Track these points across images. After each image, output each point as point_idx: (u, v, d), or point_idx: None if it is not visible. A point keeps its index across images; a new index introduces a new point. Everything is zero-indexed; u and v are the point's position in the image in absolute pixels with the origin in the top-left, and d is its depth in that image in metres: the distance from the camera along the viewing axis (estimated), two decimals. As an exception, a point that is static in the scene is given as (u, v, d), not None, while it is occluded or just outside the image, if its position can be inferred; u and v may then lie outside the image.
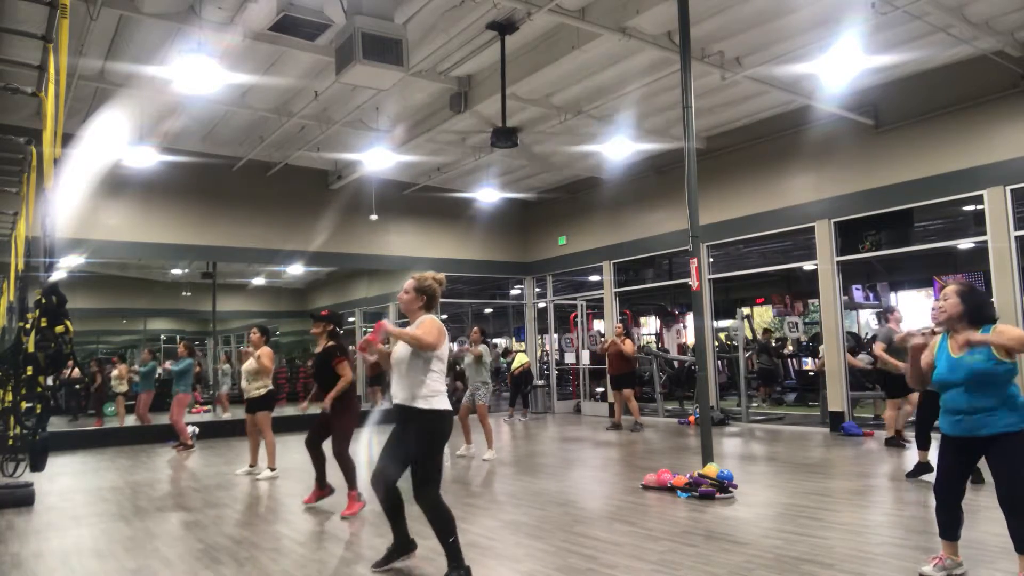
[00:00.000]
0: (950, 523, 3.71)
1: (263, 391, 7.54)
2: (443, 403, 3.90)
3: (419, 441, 3.83)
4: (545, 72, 8.57)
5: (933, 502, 3.79)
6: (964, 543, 4.28)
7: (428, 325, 3.89)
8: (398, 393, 3.93)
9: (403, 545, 4.15)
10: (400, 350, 3.95)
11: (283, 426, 7.76)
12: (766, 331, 15.65)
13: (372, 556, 4.45)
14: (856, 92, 9.36)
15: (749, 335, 13.64)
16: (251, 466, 7.75)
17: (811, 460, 7.69)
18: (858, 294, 13.75)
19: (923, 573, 3.76)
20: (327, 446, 5.94)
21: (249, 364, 7.52)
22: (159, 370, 12.33)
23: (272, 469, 7.57)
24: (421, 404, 3.83)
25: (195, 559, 4.51)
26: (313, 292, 19.06)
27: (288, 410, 13.02)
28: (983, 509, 5.17)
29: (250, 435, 7.67)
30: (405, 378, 3.90)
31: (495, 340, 24.62)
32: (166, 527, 5.41)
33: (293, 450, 8.02)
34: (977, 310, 3.63)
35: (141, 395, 11.23)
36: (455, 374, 15.00)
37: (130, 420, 12.41)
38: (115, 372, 12.60)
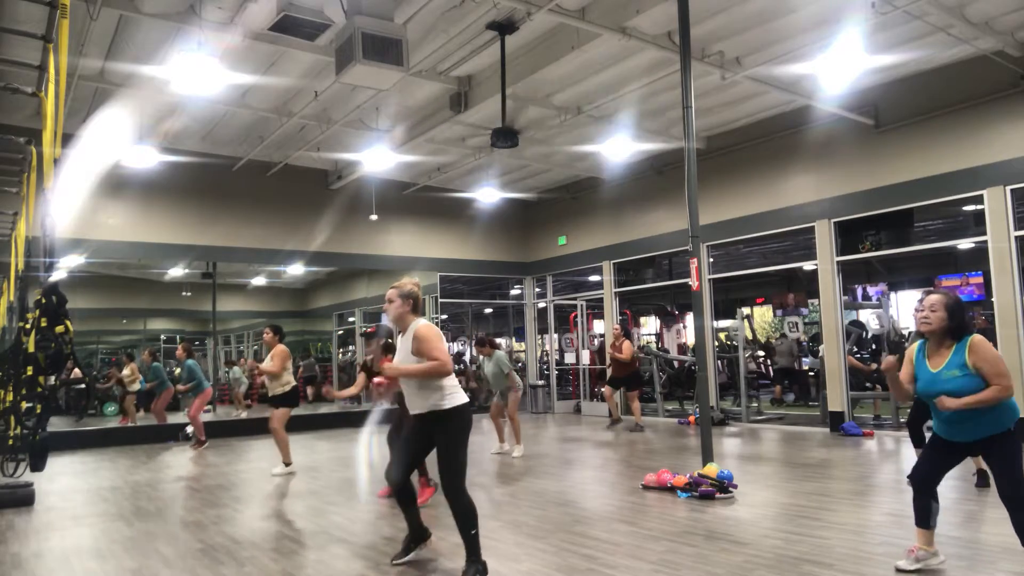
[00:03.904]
0: (925, 511, 3.79)
1: (287, 388, 7.62)
2: (462, 396, 4.03)
3: (447, 437, 3.95)
4: (545, 72, 8.56)
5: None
6: (965, 543, 4.31)
7: (432, 341, 3.92)
8: (417, 404, 4.02)
9: (418, 534, 4.28)
10: (403, 364, 4.01)
11: (288, 425, 7.81)
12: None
13: (372, 556, 4.46)
14: (856, 92, 9.36)
15: (749, 335, 13.63)
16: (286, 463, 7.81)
17: (811, 460, 7.69)
18: (873, 291, 13.67)
19: (898, 567, 3.82)
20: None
21: (267, 364, 7.62)
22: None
23: (287, 463, 7.65)
24: (446, 405, 3.95)
25: (195, 559, 4.51)
26: (313, 292, 19.04)
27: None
28: (985, 510, 5.18)
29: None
30: (421, 389, 3.98)
31: (499, 339, 24.59)
32: (166, 527, 5.41)
33: (296, 451, 8.02)
34: (961, 325, 3.68)
35: (161, 393, 11.27)
36: (471, 375, 15.09)
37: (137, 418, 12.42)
38: (126, 371, 12.59)
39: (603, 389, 11.34)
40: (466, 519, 3.89)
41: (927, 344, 3.80)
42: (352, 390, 6.81)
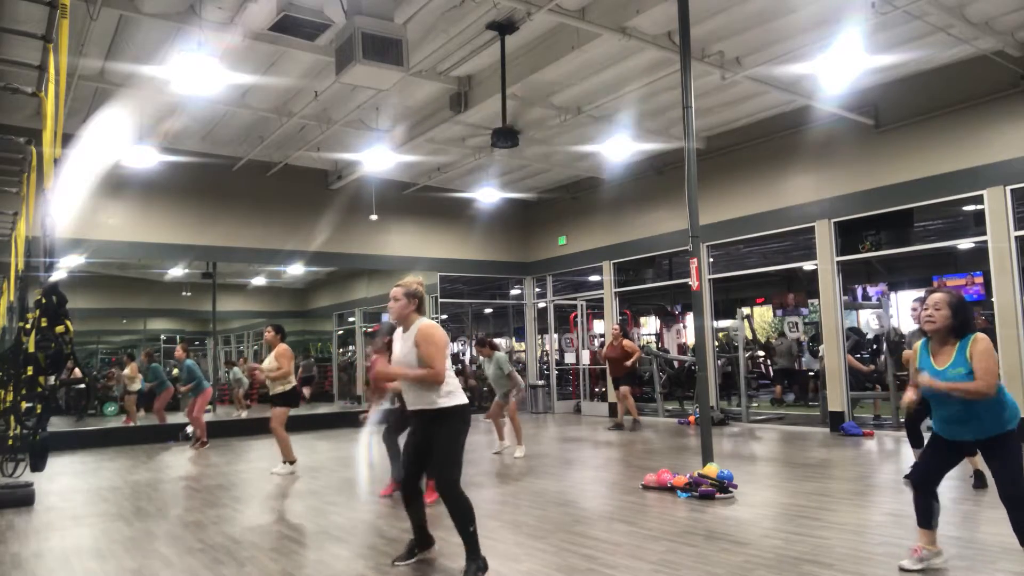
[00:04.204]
0: (927, 511, 3.79)
1: (288, 387, 7.64)
2: (462, 397, 4.06)
3: (446, 435, 3.97)
4: (545, 72, 8.56)
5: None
6: (964, 543, 4.31)
7: (433, 347, 3.95)
8: (415, 401, 4.05)
9: (423, 541, 4.29)
10: (404, 360, 4.04)
11: (288, 425, 7.83)
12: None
13: (372, 556, 4.46)
14: (856, 92, 9.36)
15: (749, 335, 13.64)
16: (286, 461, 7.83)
17: (811, 460, 7.69)
18: (873, 291, 13.68)
19: (902, 567, 3.82)
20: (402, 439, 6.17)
21: (269, 363, 7.62)
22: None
23: (291, 462, 7.69)
24: (445, 403, 3.98)
25: (195, 559, 4.51)
26: (313, 292, 19.05)
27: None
28: (983, 510, 5.18)
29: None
30: (420, 386, 4.00)
31: (499, 339, 24.62)
32: (166, 527, 5.41)
33: (296, 451, 8.01)
34: (964, 324, 3.67)
35: (161, 393, 11.29)
36: (469, 375, 15.08)
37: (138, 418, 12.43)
38: (127, 371, 12.61)
39: (620, 390, 11.32)
40: (463, 517, 3.90)
41: (930, 342, 3.80)
42: (375, 399, 6.81)
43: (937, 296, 3.72)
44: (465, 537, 3.91)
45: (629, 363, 11.14)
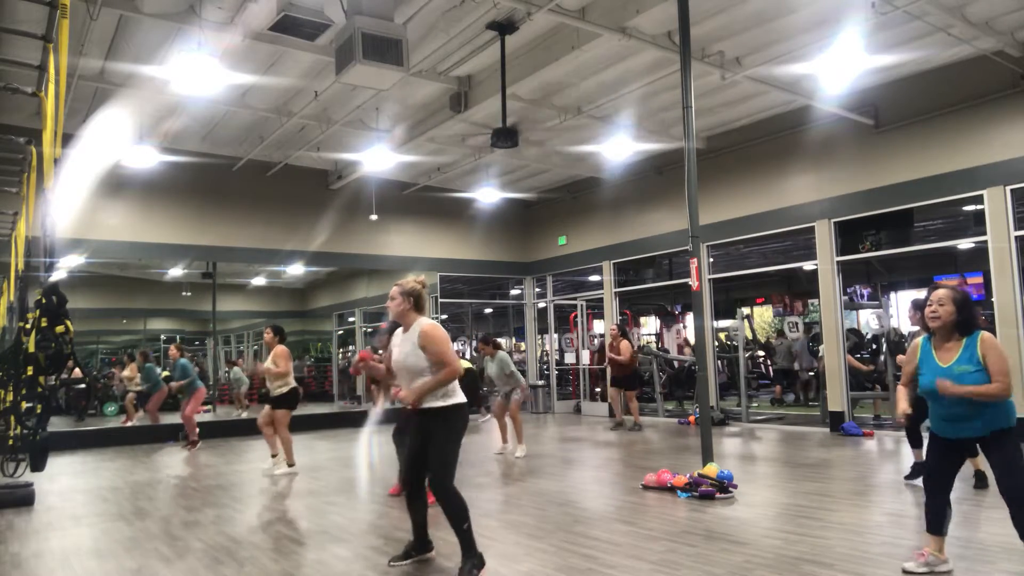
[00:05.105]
0: (938, 517, 3.77)
1: (286, 388, 7.63)
2: (460, 396, 4.09)
3: (442, 434, 4.00)
4: (545, 72, 8.55)
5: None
6: (964, 543, 4.31)
7: (440, 344, 3.97)
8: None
9: (421, 544, 4.30)
10: (407, 360, 4.04)
11: (289, 425, 7.83)
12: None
13: (372, 556, 4.46)
14: (856, 92, 9.36)
15: (749, 335, 13.64)
16: (274, 455, 7.79)
17: (811, 460, 7.69)
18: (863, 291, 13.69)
19: (906, 569, 3.80)
20: None
21: (268, 364, 7.62)
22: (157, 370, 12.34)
23: (291, 464, 7.66)
24: (443, 403, 4.01)
25: (195, 559, 4.51)
26: (313, 292, 19.05)
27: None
28: (984, 510, 5.18)
29: (263, 428, 7.70)
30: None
31: (500, 339, 24.57)
32: (166, 527, 5.41)
33: (296, 451, 8.01)
34: (969, 320, 3.67)
35: (153, 395, 11.28)
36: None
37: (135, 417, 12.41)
38: (127, 372, 12.60)
39: (609, 391, 11.36)
40: (457, 515, 3.92)
41: (933, 339, 3.79)
42: (380, 399, 6.84)
43: (941, 292, 3.72)
44: (460, 535, 3.93)
45: (620, 358, 11.13)
